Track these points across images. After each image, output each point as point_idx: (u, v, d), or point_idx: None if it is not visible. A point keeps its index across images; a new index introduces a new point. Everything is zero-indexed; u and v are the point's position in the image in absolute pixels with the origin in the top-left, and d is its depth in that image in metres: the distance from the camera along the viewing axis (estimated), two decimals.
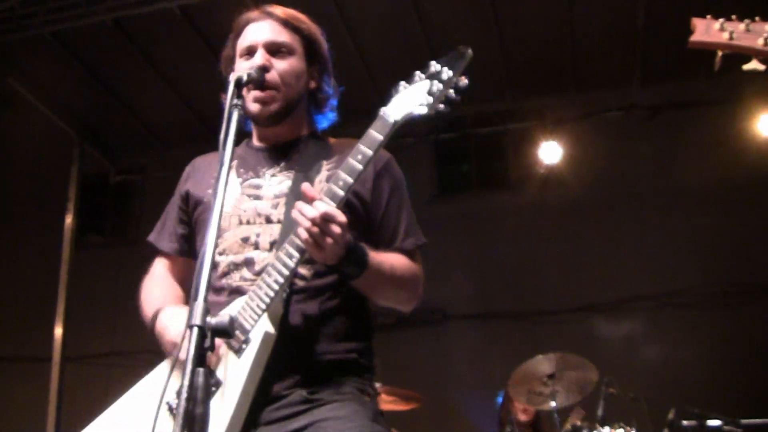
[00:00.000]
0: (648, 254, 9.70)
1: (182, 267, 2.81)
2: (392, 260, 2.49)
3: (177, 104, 10.36)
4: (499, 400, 7.14)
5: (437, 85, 2.30)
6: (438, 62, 2.35)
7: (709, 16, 2.61)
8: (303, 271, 2.45)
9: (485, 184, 11.01)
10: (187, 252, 2.80)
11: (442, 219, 10.06)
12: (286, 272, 2.28)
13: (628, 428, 5.86)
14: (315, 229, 2.18)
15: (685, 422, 6.19)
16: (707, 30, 2.60)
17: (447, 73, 2.31)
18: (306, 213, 2.19)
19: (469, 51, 2.34)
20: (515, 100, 10.36)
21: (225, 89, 2.33)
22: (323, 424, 2.30)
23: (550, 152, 10.18)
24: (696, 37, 2.60)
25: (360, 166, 2.28)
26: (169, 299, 2.65)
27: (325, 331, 2.44)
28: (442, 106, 2.31)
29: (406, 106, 2.32)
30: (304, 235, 2.20)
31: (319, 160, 2.62)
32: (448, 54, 2.37)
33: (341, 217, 2.21)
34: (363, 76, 9.44)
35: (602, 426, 5.93)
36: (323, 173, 2.59)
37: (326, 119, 2.81)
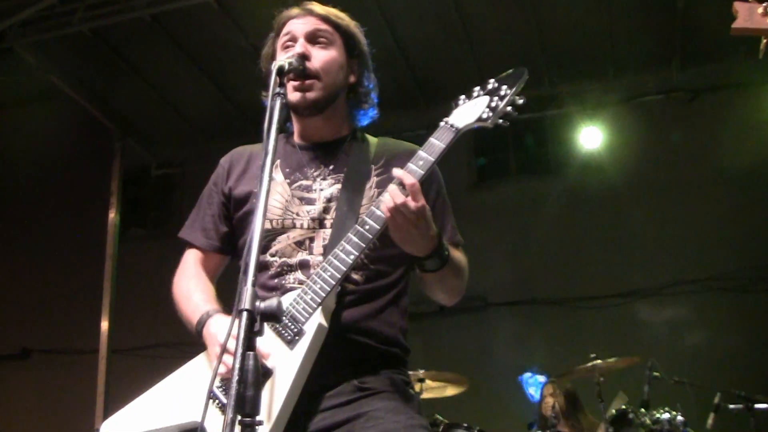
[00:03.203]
0: (690, 238, 9.62)
1: (214, 262, 2.83)
2: (458, 255, 2.58)
3: (216, 97, 10.42)
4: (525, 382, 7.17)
5: (497, 101, 2.40)
6: (496, 80, 2.46)
7: (752, 0, 2.56)
8: (355, 276, 2.51)
9: (525, 170, 10.98)
10: (220, 249, 2.81)
11: (482, 206, 10.05)
12: (343, 268, 2.33)
13: (674, 412, 5.83)
14: (411, 215, 2.24)
15: (731, 406, 6.16)
16: (750, 15, 2.55)
17: (506, 90, 2.41)
18: (410, 205, 2.24)
19: (526, 71, 2.46)
20: (554, 86, 10.30)
21: (266, 86, 2.36)
22: (375, 414, 2.36)
23: (590, 137, 10.13)
24: (739, 24, 2.56)
25: (421, 171, 2.34)
26: (212, 299, 2.67)
27: (372, 329, 2.50)
28: (500, 121, 2.41)
29: (468, 118, 2.42)
30: (401, 220, 2.25)
31: (368, 164, 2.67)
32: (506, 73, 2.48)
33: (422, 198, 2.27)
34: (401, 66, 9.45)
35: (647, 410, 5.91)
36: (372, 178, 2.63)
37: (367, 116, 2.83)
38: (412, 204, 2.22)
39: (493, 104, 2.40)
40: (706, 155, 9.74)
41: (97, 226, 10.41)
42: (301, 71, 2.54)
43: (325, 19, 2.70)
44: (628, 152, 10.03)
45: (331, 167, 2.67)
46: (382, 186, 2.58)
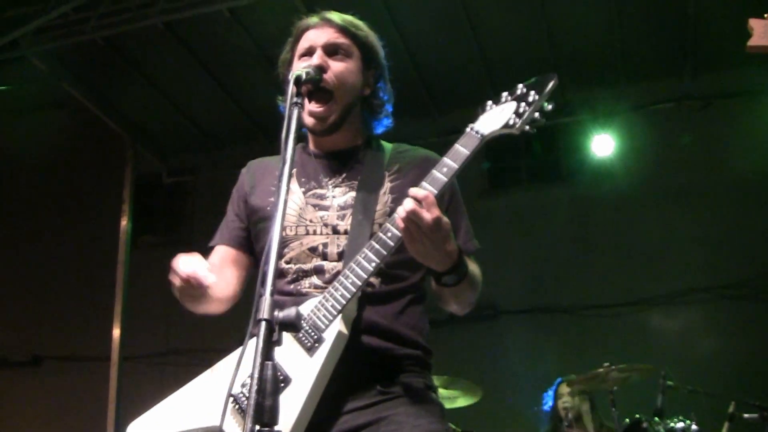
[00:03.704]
0: (702, 246, 9.59)
1: (241, 260, 2.82)
2: (473, 267, 2.55)
3: (228, 104, 10.45)
4: (547, 395, 7.15)
5: (524, 107, 2.36)
6: (524, 86, 2.42)
7: (766, 15, 2.52)
8: (372, 279, 2.48)
9: (537, 177, 10.97)
10: (246, 248, 2.82)
11: (494, 214, 10.02)
12: (364, 275, 2.33)
13: (688, 421, 5.81)
14: (431, 232, 2.21)
15: (746, 415, 6.13)
16: (766, 32, 2.52)
17: (534, 96, 2.37)
18: (424, 216, 2.19)
19: (556, 77, 2.41)
20: (565, 93, 10.29)
21: (283, 92, 2.37)
22: (396, 418, 2.36)
23: (602, 145, 10.11)
24: (754, 41, 2.52)
25: (445, 179, 2.31)
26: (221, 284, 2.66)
27: (392, 330, 2.50)
28: (527, 127, 2.37)
29: (494, 124, 2.38)
30: (414, 231, 2.22)
31: (381, 170, 2.67)
32: (535, 78, 2.43)
33: (447, 223, 2.24)
34: (412, 75, 9.46)
35: (661, 419, 5.89)
36: (386, 184, 2.63)
37: (381, 125, 2.83)
38: (426, 215, 2.19)
39: (521, 110, 2.36)
40: (718, 163, 9.71)
41: (109, 233, 10.43)
42: (317, 82, 2.53)
43: (343, 30, 2.71)
44: (639, 160, 10.01)
45: (344, 175, 2.69)
46: (396, 192, 2.60)
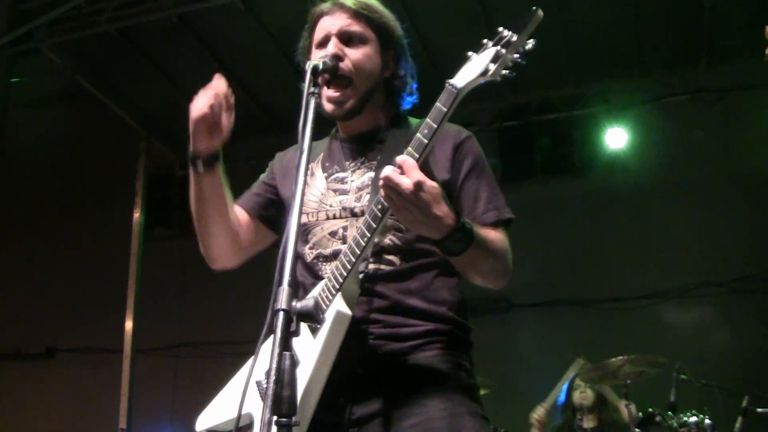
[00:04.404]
0: (716, 239, 9.55)
1: (251, 226, 2.82)
2: (492, 235, 2.46)
3: (241, 97, 10.40)
4: (564, 388, 7.12)
5: (501, 51, 2.20)
6: (506, 27, 2.25)
7: None
8: (392, 257, 2.48)
9: (550, 171, 10.95)
10: (262, 216, 2.82)
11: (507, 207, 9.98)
12: (358, 251, 2.30)
13: (701, 415, 5.78)
14: (414, 197, 2.14)
15: (759, 409, 6.10)
16: None
17: (512, 36, 2.21)
18: (401, 181, 2.14)
19: (540, 12, 2.26)
20: (579, 86, 10.26)
21: (302, 79, 2.34)
22: (420, 401, 2.35)
23: (616, 137, 10.09)
24: None
25: (426, 140, 2.22)
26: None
27: (414, 307, 2.46)
28: (506, 71, 2.23)
29: (470, 75, 2.25)
30: (395, 198, 2.17)
31: (400, 147, 2.55)
32: (520, 17, 2.27)
33: (418, 175, 2.16)
34: (424, 63, 9.41)
35: (675, 413, 5.86)
36: None
37: (407, 102, 2.78)
38: (403, 180, 2.13)
39: (499, 54, 2.20)
40: (733, 156, 9.67)
41: (122, 225, 10.47)
42: (334, 70, 2.52)
43: (357, 14, 2.67)
44: (654, 153, 9.98)
45: (365, 157, 2.67)
46: None
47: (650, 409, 6.06)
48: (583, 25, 9.25)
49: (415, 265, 2.51)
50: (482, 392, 6.74)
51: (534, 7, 2.27)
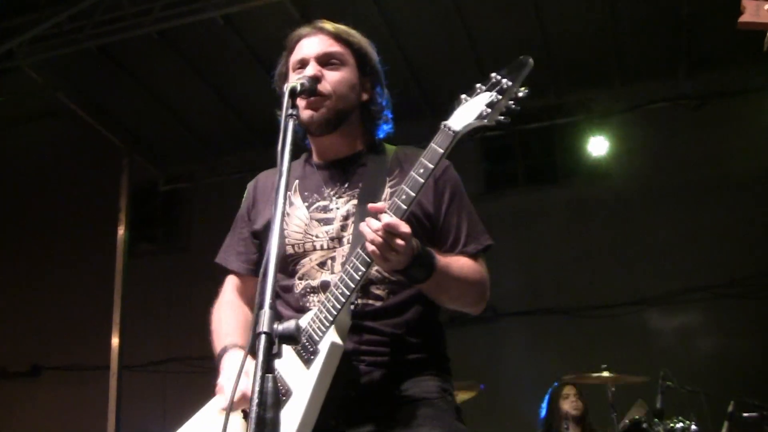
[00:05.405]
0: (699, 245, 9.60)
1: (252, 285, 2.83)
2: (459, 263, 2.53)
3: (224, 111, 10.46)
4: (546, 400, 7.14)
5: (497, 97, 2.28)
6: (498, 73, 2.33)
7: None
8: (378, 291, 2.51)
9: (533, 179, 10.99)
10: (255, 271, 2.81)
11: (490, 216, 9.93)
12: (352, 285, 2.32)
13: (687, 422, 5.81)
14: (379, 240, 2.21)
15: (745, 414, 6.14)
16: (757, 11, 2.58)
17: (506, 83, 2.29)
18: (371, 226, 2.23)
19: (530, 60, 2.32)
20: (560, 95, 10.31)
21: (279, 105, 2.36)
22: (413, 422, 2.39)
23: (598, 145, 10.15)
24: (745, 18, 2.58)
25: (422, 180, 2.29)
26: (239, 328, 2.70)
27: (403, 341, 2.51)
28: (502, 117, 2.29)
29: (466, 118, 2.31)
30: (371, 247, 2.24)
31: (382, 176, 2.64)
32: (510, 64, 2.35)
33: (404, 228, 2.23)
34: (407, 78, 9.46)
35: (661, 419, 5.90)
36: (386, 190, 2.61)
37: (381, 131, 2.81)
38: (372, 229, 2.23)
39: (494, 100, 2.28)
40: (714, 162, 9.72)
41: (106, 242, 10.43)
42: (312, 92, 2.53)
43: (336, 37, 2.69)
44: (635, 160, 10.04)
45: (346, 184, 2.67)
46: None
47: (636, 417, 6.09)
48: (564, 35, 9.31)
49: (402, 299, 2.54)
50: (467, 396, 6.75)
51: (522, 57, 2.34)
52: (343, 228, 2.58)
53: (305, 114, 2.60)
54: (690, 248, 9.63)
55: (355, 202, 2.61)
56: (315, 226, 2.62)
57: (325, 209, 2.64)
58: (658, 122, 10.07)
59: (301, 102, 2.57)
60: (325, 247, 2.58)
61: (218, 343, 2.66)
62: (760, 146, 9.32)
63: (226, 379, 2.47)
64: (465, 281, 2.53)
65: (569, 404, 6.87)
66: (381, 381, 2.44)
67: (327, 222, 2.61)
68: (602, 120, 10.21)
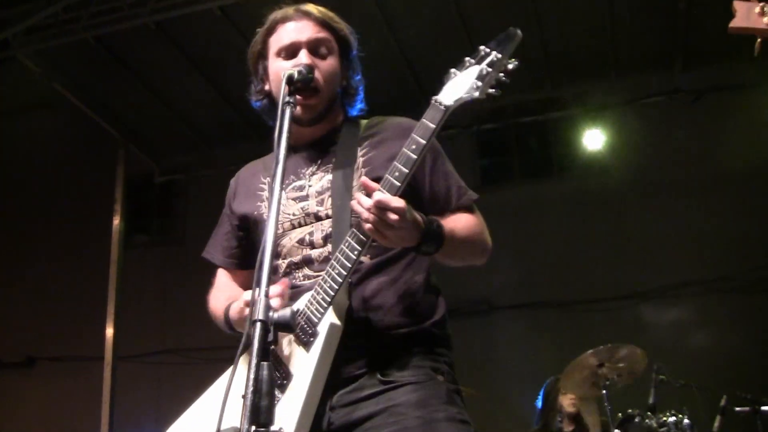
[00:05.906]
0: (694, 239, 9.61)
1: (243, 277, 2.87)
2: (461, 223, 2.55)
3: (219, 103, 10.43)
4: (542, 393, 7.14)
5: (486, 69, 2.27)
6: (487, 46, 2.31)
7: None
8: (363, 258, 2.48)
9: (528, 173, 10.99)
10: (241, 264, 2.86)
11: (486, 210, 9.94)
12: (349, 264, 2.32)
13: (680, 415, 5.82)
14: (373, 217, 2.21)
15: (738, 408, 6.14)
16: (748, 14, 2.57)
17: (496, 56, 2.27)
18: (363, 203, 2.23)
19: (519, 32, 2.30)
20: (556, 88, 10.31)
21: (254, 85, 2.36)
22: (397, 409, 2.35)
23: (593, 139, 10.15)
24: (736, 23, 2.58)
25: (414, 156, 2.27)
26: (233, 296, 2.69)
27: (390, 307, 2.48)
28: (492, 90, 2.28)
29: (457, 93, 2.30)
30: (367, 225, 2.24)
31: (353, 148, 2.65)
32: (498, 36, 2.33)
33: (396, 203, 2.22)
34: (403, 69, 9.44)
35: (654, 413, 5.90)
36: (358, 160, 2.61)
37: (356, 109, 2.82)
38: (364, 207, 2.23)
39: (484, 73, 2.27)
40: (709, 156, 9.73)
41: (101, 233, 10.43)
42: (308, 82, 2.53)
43: (322, 23, 2.70)
44: (631, 154, 10.03)
45: (320, 161, 2.69)
46: (368, 165, 2.59)
47: (629, 411, 6.09)
48: (559, 28, 9.30)
49: (384, 258, 2.53)
50: (463, 393, 6.74)
51: (510, 28, 2.32)
52: (319, 203, 2.59)
53: (299, 109, 2.59)
54: (683, 242, 9.64)
55: (330, 177, 2.61)
56: (291, 205, 2.63)
57: (301, 188, 2.65)
58: (653, 116, 10.07)
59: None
60: (303, 223, 2.60)
61: (220, 312, 2.66)
62: (755, 140, 9.33)
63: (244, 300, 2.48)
64: (471, 240, 2.57)
65: (568, 401, 6.88)
66: (367, 362, 2.42)
67: (302, 199, 2.63)
68: (598, 114, 10.21)
